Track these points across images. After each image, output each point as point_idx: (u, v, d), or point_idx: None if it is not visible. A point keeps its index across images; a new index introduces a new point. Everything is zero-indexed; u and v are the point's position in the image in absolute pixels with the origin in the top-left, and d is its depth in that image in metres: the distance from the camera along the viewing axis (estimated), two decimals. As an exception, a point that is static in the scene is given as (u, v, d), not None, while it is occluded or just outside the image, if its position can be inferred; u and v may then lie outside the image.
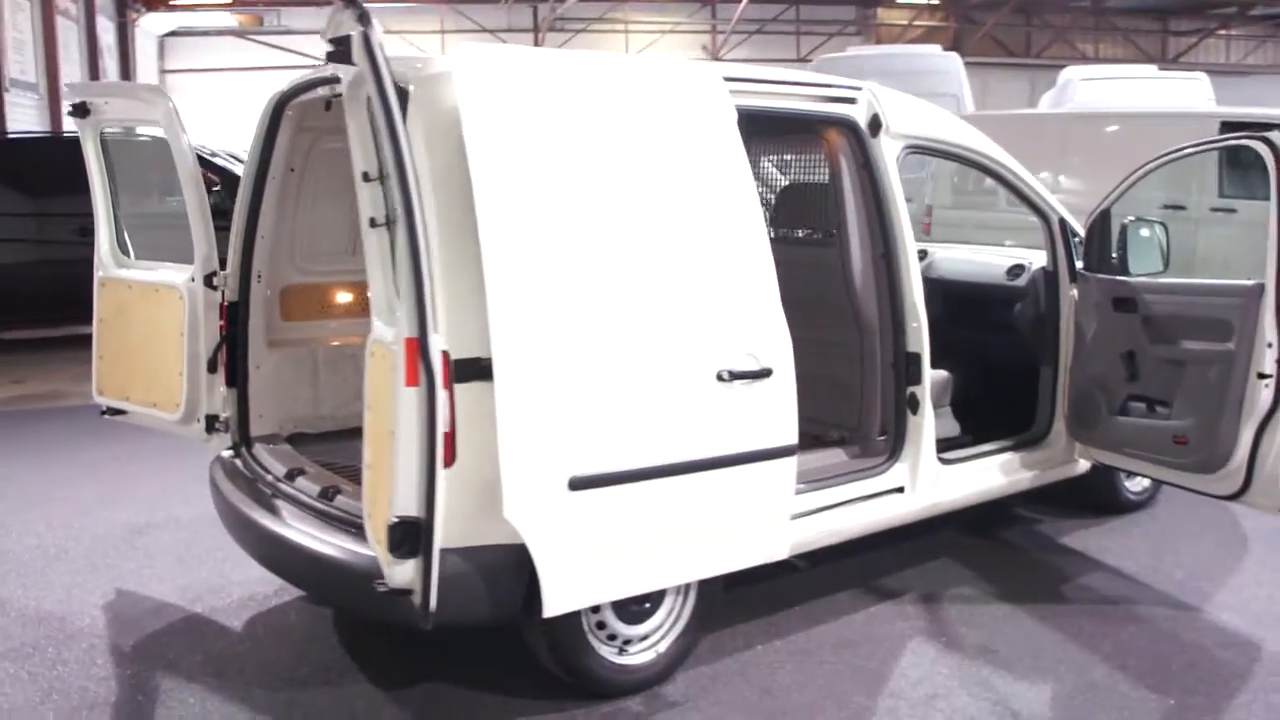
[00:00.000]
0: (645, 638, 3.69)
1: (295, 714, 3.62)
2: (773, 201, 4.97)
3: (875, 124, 4.21)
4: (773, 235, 4.84)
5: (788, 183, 4.98)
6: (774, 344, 3.57)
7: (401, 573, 2.96)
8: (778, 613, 4.24)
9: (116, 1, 23.40)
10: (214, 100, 28.43)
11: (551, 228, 3.19)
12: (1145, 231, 4.73)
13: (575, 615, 3.48)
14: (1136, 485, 5.39)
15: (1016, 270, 5.14)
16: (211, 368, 4.37)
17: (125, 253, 4.73)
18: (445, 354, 3.03)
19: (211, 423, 4.39)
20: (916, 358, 4.25)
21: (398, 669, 3.89)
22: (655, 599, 3.69)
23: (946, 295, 5.37)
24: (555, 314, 3.17)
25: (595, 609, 3.56)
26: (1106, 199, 4.76)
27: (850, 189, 4.27)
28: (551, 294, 3.16)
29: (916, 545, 4.87)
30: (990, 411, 5.16)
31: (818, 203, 4.56)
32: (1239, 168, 9.05)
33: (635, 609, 3.64)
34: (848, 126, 4.21)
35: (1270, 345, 4.07)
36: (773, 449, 3.59)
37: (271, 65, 28.32)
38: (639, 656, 3.68)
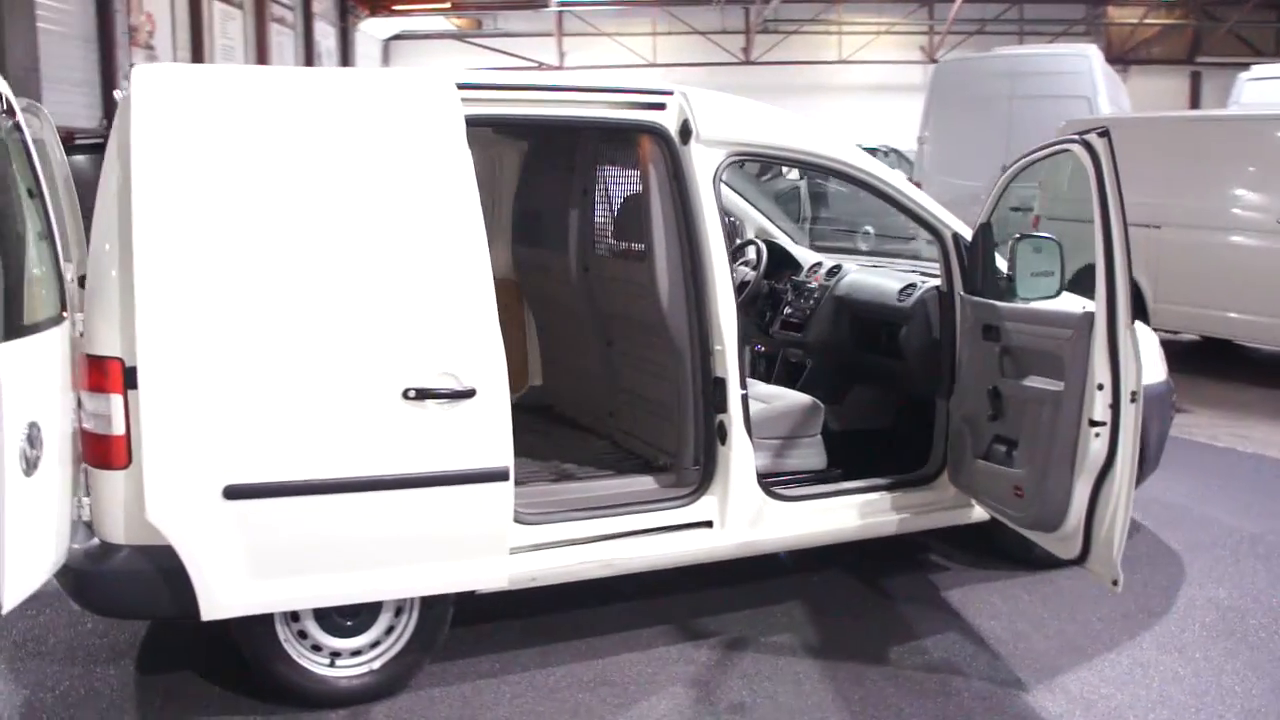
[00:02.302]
0: (357, 653, 3.61)
1: (44, 686, 3.77)
2: (598, 215, 4.71)
3: (686, 131, 3.93)
4: (604, 249, 4.65)
5: (609, 195, 4.71)
6: (482, 365, 3.39)
7: None
8: (560, 643, 4.03)
9: (338, 8, 25.04)
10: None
11: (213, 241, 3.19)
12: (1036, 249, 4.18)
13: (268, 621, 3.47)
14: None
15: (908, 290, 4.66)
16: None
17: None
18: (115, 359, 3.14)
19: None
20: (722, 383, 3.93)
21: (165, 656, 3.98)
22: (368, 614, 3.60)
23: (852, 316, 4.96)
24: (210, 324, 3.16)
25: (295, 617, 3.52)
26: (984, 211, 4.26)
27: (658, 201, 3.99)
28: (207, 304, 3.16)
29: (773, 584, 4.52)
30: (886, 444, 4.74)
31: (635, 216, 4.29)
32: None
33: (343, 622, 3.57)
34: (658, 134, 3.95)
35: (1101, 388, 3.52)
36: (477, 472, 3.42)
37: (491, 67, 29.68)
38: (350, 671, 3.60)
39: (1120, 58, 26.90)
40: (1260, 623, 4.26)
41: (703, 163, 3.92)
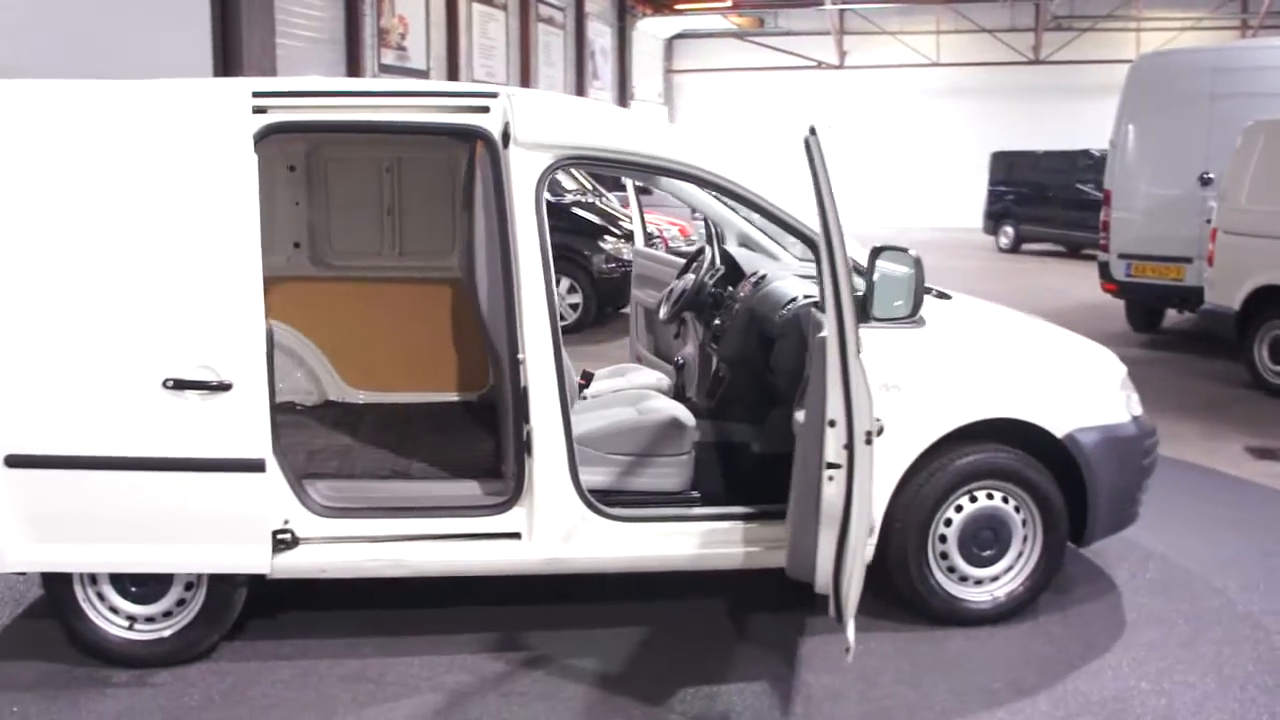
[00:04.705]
0: (151, 619, 3.90)
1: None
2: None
3: (506, 134, 3.90)
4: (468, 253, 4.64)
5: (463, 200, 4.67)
6: (240, 360, 3.60)
7: None
8: (378, 637, 4.14)
9: (616, 7, 25.88)
10: (717, 98, 30.46)
11: None
12: (894, 264, 3.84)
13: (67, 580, 3.84)
14: (978, 591, 4.31)
15: (790, 304, 4.34)
16: None
17: None
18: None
19: None
20: (526, 393, 3.89)
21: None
22: (159, 585, 3.88)
23: (759, 331, 4.69)
24: None
25: (94, 580, 3.85)
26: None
27: (480, 206, 3.99)
28: None
29: (635, 608, 4.40)
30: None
31: (467, 221, 4.27)
32: None
33: (134, 590, 3.87)
34: (481, 138, 3.95)
35: (833, 424, 3.19)
36: (233, 461, 3.62)
37: (772, 66, 29.71)
38: (145, 636, 3.90)
39: None
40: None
41: (522, 167, 3.87)
